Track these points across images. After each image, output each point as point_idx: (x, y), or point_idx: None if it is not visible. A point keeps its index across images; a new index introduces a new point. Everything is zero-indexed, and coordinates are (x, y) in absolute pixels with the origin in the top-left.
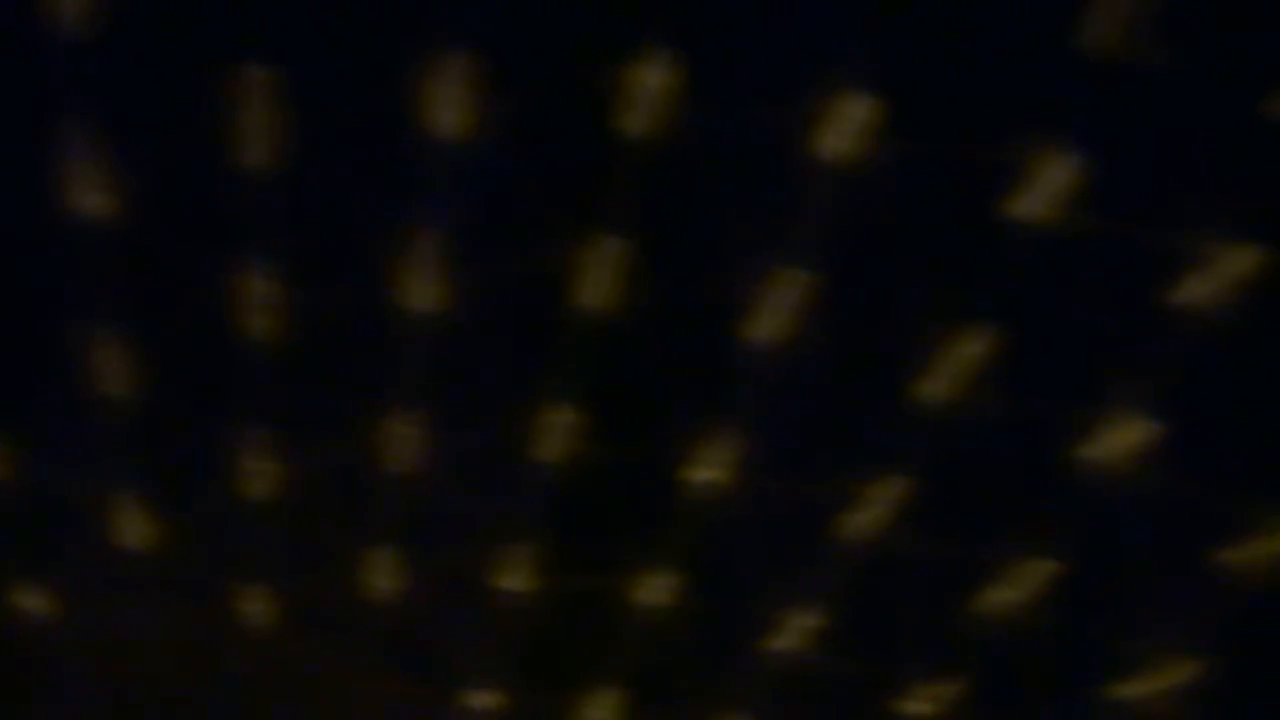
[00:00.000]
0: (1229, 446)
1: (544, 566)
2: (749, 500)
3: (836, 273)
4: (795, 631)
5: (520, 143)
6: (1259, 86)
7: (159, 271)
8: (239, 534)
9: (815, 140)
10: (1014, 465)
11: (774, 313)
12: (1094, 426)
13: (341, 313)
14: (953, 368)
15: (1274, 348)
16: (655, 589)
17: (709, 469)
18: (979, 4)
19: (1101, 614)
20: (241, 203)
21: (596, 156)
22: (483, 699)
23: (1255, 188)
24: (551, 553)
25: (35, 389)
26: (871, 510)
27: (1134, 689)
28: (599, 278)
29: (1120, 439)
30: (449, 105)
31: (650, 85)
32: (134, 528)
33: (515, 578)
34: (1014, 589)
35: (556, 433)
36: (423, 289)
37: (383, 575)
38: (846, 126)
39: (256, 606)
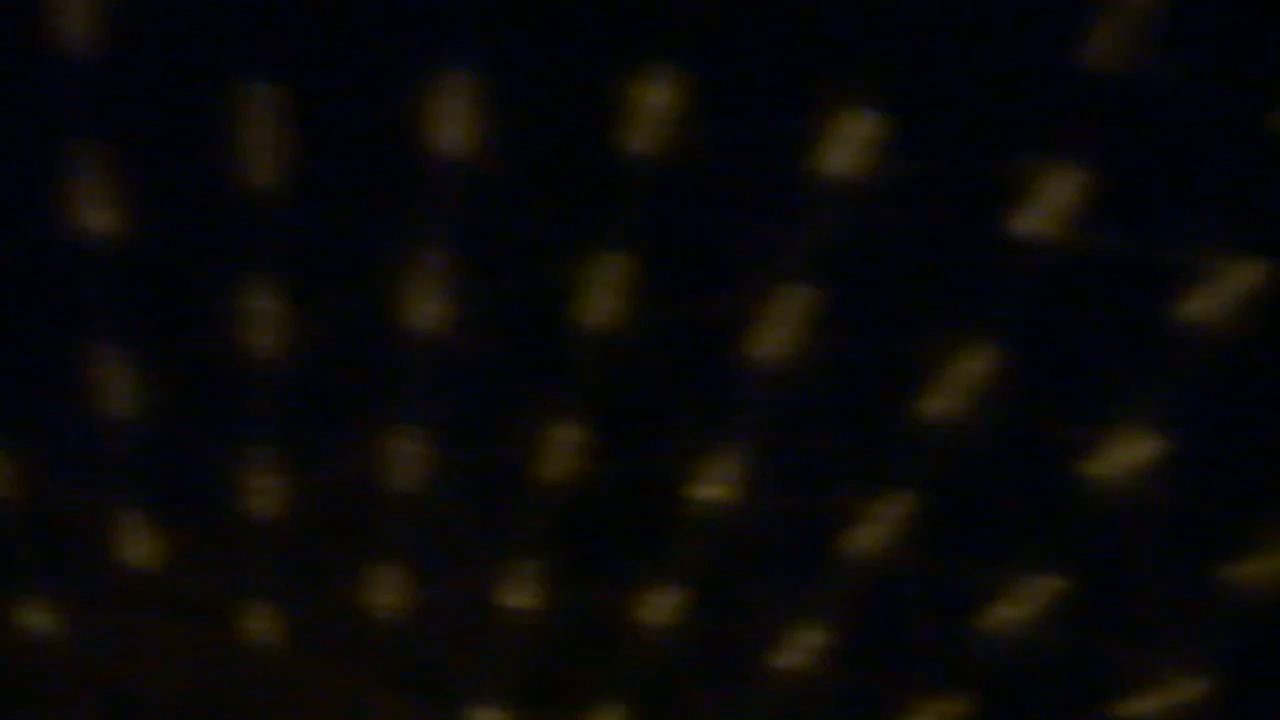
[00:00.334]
0: (1235, 462)
1: (548, 584)
2: (753, 517)
3: (841, 290)
4: (801, 648)
5: (525, 161)
6: (1264, 104)
7: (165, 290)
8: (245, 552)
9: (819, 158)
10: (1020, 481)
11: (778, 330)
12: (1099, 442)
13: (347, 331)
14: (957, 384)
15: (1279, 363)
16: (660, 606)
17: (713, 486)
18: (982, 23)
19: (1108, 630)
20: (247, 221)
21: (601, 174)
22: (488, 716)
23: (1260, 204)
24: (556, 570)
25: (42, 408)
26: (876, 527)
27: (1142, 705)
28: (603, 295)
29: (1126, 455)
30: (454, 124)
31: (654, 104)
32: (140, 546)
33: (520, 595)
34: (1020, 605)
35: (561, 450)
36: (428, 307)
37: (387, 592)
38: (850, 144)
39: (262, 623)
